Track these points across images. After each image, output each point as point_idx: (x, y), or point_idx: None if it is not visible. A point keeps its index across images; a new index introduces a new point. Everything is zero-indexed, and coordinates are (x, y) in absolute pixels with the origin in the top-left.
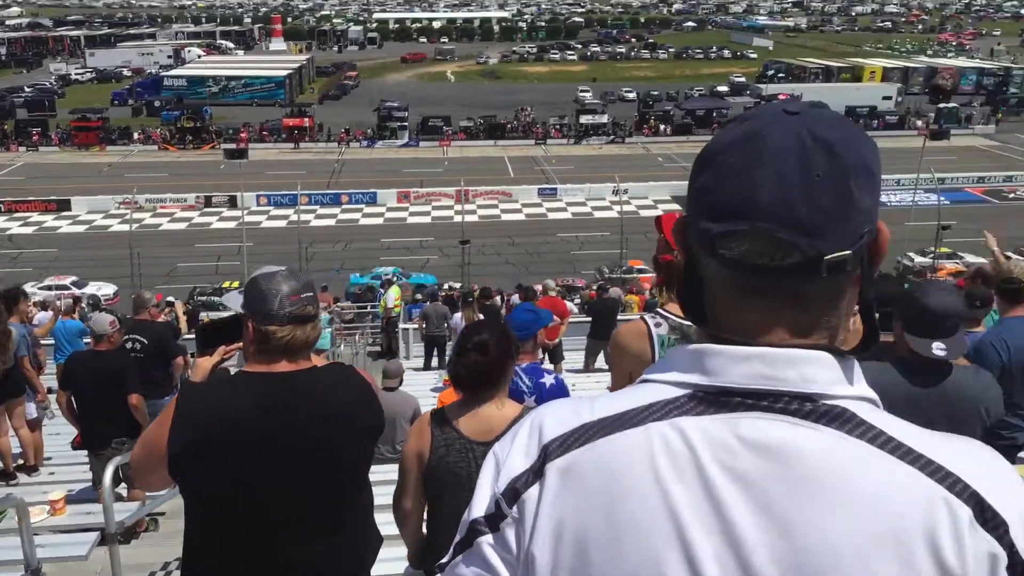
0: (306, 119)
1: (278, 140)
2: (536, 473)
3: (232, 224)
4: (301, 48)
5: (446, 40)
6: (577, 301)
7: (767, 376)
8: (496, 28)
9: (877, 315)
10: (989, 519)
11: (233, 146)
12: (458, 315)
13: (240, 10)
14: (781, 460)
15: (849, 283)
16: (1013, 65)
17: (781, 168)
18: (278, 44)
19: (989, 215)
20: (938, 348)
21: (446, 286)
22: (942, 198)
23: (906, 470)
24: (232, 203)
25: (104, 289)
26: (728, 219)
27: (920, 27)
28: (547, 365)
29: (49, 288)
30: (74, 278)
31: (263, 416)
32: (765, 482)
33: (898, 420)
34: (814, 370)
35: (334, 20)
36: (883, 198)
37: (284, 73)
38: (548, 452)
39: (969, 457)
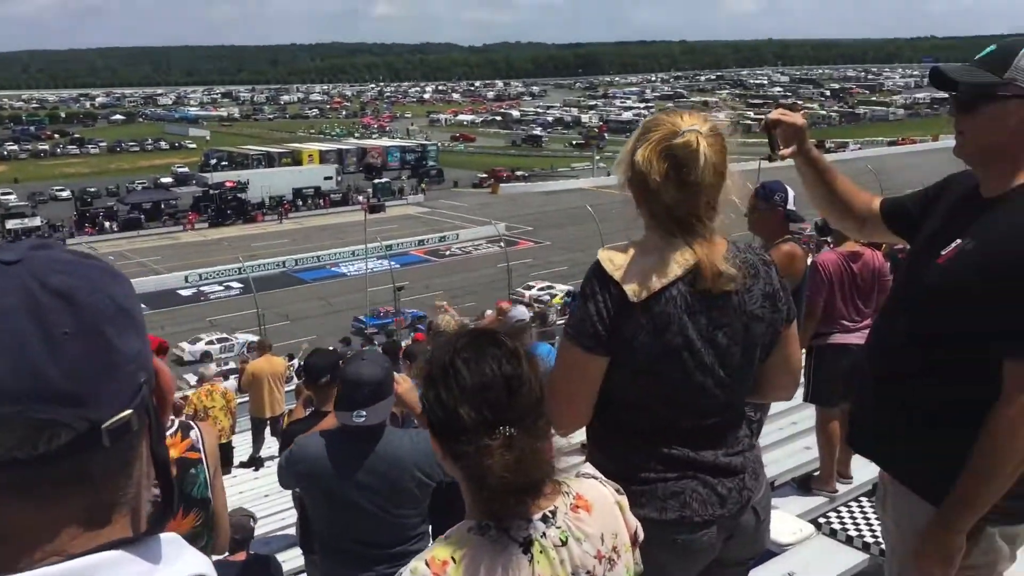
0: None
1: None
2: None
3: None
4: None
5: None
6: None
7: None
8: None
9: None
10: None
11: None
12: None
13: None
14: None
15: (140, 441)
16: (427, 142)
17: (15, 333)
18: None
19: (433, 271)
20: (358, 416)
21: None
22: (393, 262)
23: None
24: None
25: None
26: None
27: (344, 113)
28: None
29: None
30: None
31: None
32: None
33: None
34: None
35: None
36: (342, 269)
37: None
38: None
39: None
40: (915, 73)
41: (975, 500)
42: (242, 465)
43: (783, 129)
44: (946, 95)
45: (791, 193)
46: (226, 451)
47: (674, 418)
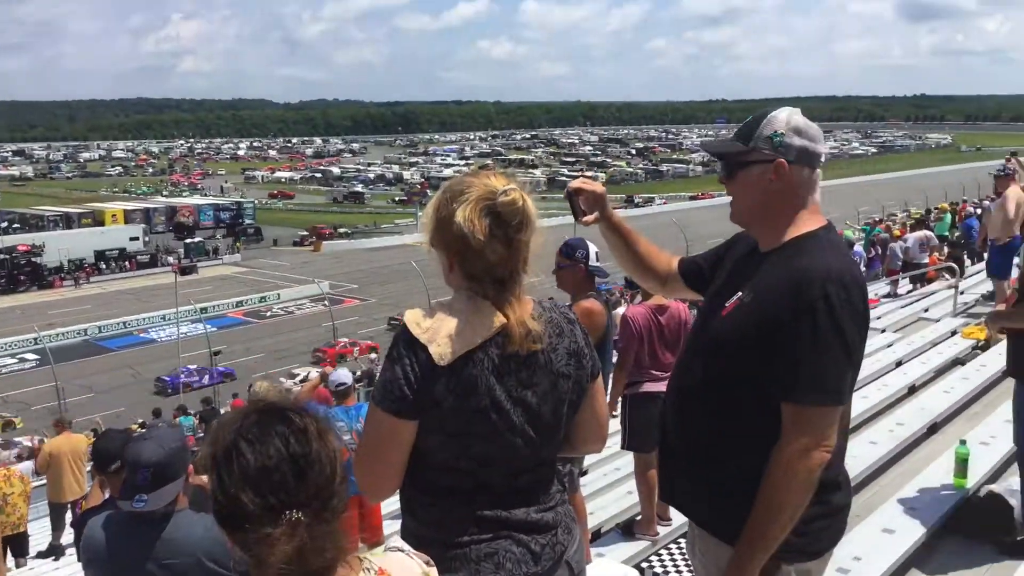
0: None
1: None
2: None
3: None
4: None
5: None
6: None
7: None
8: None
9: None
10: None
11: None
12: None
13: None
14: None
15: None
16: (243, 199)
17: None
18: None
19: (254, 333)
20: (138, 502)
21: None
22: (208, 325)
23: None
24: None
25: None
26: None
27: (151, 170)
28: None
29: None
30: None
31: None
32: None
33: None
34: None
35: None
36: (152, 335)
37: None
38: None
39: None
40: (710, 133)
41: (763, 539)
42: (40, 555)
43: (585, 197)
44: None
45: (593, 249)
46: (22, 540)
47: (485, 479)
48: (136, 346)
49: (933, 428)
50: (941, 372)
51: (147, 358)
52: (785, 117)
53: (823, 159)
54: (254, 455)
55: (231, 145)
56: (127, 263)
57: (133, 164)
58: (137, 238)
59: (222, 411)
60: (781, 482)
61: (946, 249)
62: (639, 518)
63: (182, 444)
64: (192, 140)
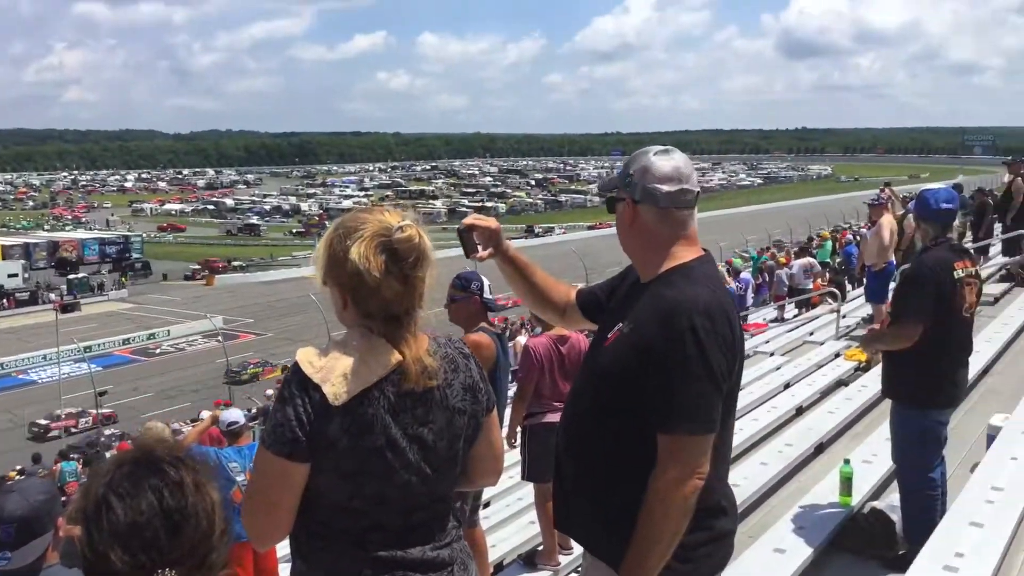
0: None
1: None
2: None
3: None
4: None
5: None
6: None
7: None
8: None
9: None
10: None
11: None
12: None
13: None
14: None
15: None
16: (130, 233)
17: None
18: None
19: (142, 372)
20: (1, 559)
21: None
22: (93, 365)
23: None
24: None
25: None
26: None
27: (32, 203)
28: None
29: None
30: None
31: None
32: None
33: None
34: None
35: None
36: (31, 376)
37: None
38: None
39: None
40: (605, 165)
41: (642, 567)
42: None
43: (479, 232)
44: None
45: (487, 282)
46: None
47: (380, 518)
48: (15, 388)
49: (820, 448)
50: (826, 393)
51: (26, 400)
52: (641, 158)
53: (682, 198)
54: (124, 510)
55: (118, 177)
56: (5, 301)
57: (12, 197)
58: (16, 275)
59: (108, 455)
60: (658, 510)
61: (828, 275)
62: (541, 548)
63: (50, 496)
64: (76, 172)
